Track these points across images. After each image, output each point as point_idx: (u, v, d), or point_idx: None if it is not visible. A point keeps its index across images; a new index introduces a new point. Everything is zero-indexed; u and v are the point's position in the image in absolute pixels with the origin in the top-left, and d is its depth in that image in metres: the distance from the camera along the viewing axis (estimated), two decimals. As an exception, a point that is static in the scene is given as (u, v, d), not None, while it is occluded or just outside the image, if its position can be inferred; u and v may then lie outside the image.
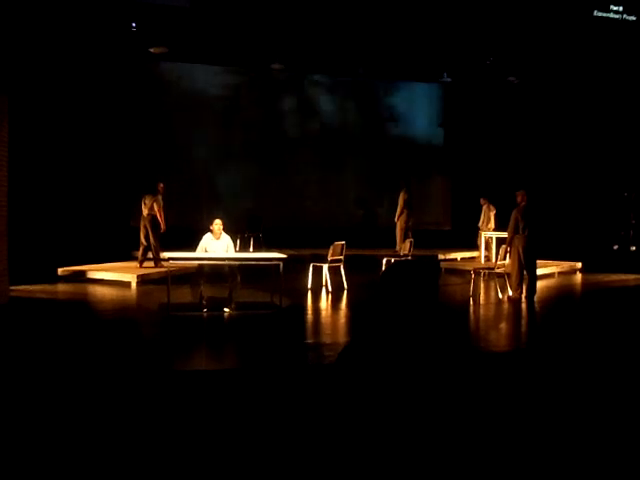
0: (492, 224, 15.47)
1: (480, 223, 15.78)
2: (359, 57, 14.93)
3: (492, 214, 15.55)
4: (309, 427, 2.25)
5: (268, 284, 10.04)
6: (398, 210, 15.57)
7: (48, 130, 13.48)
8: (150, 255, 12.73)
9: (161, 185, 12.76)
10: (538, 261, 10.93)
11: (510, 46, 14.37)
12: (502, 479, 3.41)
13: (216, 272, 9.53)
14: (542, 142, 17.23)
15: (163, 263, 11.94)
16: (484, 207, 15.78)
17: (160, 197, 12.63)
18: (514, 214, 10.40)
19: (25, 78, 11.81)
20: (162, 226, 12.55)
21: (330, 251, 11.06)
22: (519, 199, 10.52)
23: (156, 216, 12.51)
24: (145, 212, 12.61)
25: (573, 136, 16.75)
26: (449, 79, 16.29)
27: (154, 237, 12.58)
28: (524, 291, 10.50)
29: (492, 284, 11.68)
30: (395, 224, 15.67)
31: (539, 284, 10.99)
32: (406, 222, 15.53)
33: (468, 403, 2.14)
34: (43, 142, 13.33)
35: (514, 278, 10.52)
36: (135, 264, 12.79)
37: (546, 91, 16.72)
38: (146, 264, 12.67)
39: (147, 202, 12.59)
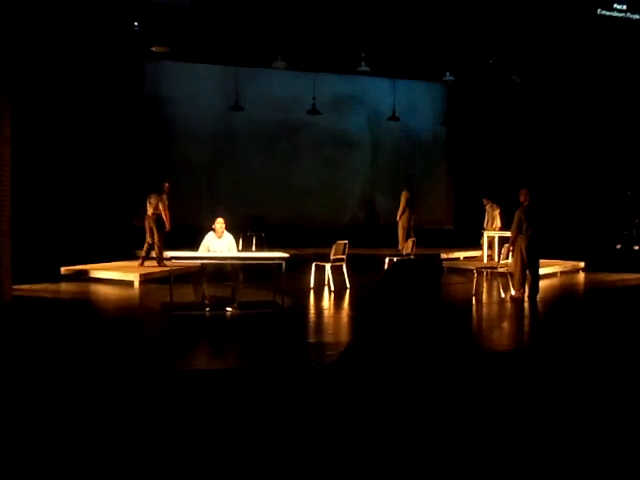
0: (498, 223, 15.33)
1: (485, 224, 15.67)
2: (362, 55, 14.90)
3: (497, 213, 15.43)
4: (311, 426, 2.25)
5: (270, 283, 10.04)
6: (400, 209, 15.56)
7: (51, 129, 13.49)
8: (153, 254, 12.75)
9: (166, 185, 12.80)
10: (541, 260, 10.92)
11: (513, 45, 14.34)
12: (504, 479, 3.40)
13: (218, 271, 9.54)
14: (545, 141, 17.19)
15: (166, 262, 11.96)
16: (487, 207, 15.69)
17: (165, 196, 12.67)
18: (517, 213, 10.39)
19: (27, 77, 11.81)
20: (167, 225, 12.58)
21: (332, 250, 11.06)
22: (522, 198, 10.50)
23: (161, 215, 12.54)
24: (150, 211, 12.64)
25: (576, 135, 16.71)
26: (452, 78, 16.26)
27: (159, 237, 12.61)
28: (526, 290, 10.48)
29: (495, 283, 11.67)
30: (397, 223, 15.67)
31: (542, 283, 10.98)
32: (408, 221, 15.52)
33: (471, 402, 2.14)
34: (46, 141, 13.33)
35: (517, 277, 10.51)
36: (138, 263, 12.80)
37: (549, 90, 16.69)
38: (149, 263, 12.68)
39: (152, 201, 12.63)
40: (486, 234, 15.18)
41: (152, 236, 12.68)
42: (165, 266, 12.02)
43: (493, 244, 14.82)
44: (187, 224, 14.08)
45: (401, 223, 15.57)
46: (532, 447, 4.23)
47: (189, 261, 9.98)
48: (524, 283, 10.49)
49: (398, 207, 15.67)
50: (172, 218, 12.72)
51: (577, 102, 16.32)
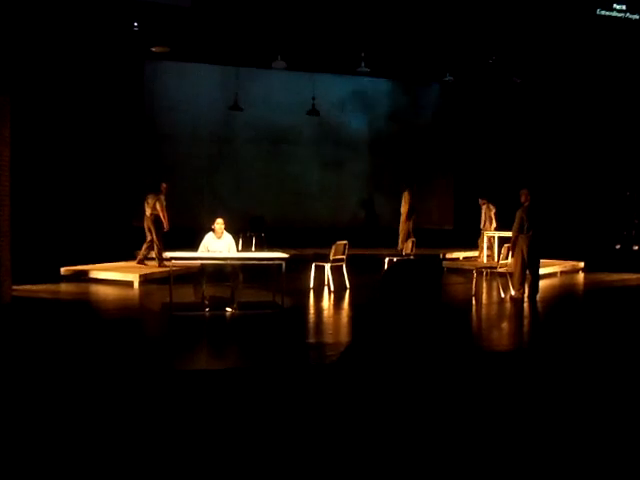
0: (494, 223, 15.31)
1: (482, 224, 15.64)
2: (361, 55, 14.90)
3: (492, 213, 15.40)
4: (311, 427, 2.25)
5: (270, 284, 10.04)
6: (406, 211, 15.53)
7: (51, 130, 13.49)
8: (153, 254, 12.75)
9: (164, 185, 12.78)
10: (541, 260, 10.92)
11: (513, 45, 14.35)
12: (503, 479, 3.41)
13: (218, 272, 9.53)
14: (545, 141, 17.20)
15: (166, 263, 11.96)
16: (484, 208, 15.58)
17: (163, 197, 12.66)
18: (519, 213, 10.34)
19: (27, 78, 11.82)
20: (165, 225, 12.57)
21: (332, 250, 11.05)
22: (523, 198, 10.45)
23: (159, 216, 12.53)
24: (148, 212, 12.62)
25: (576, 135, 16.72)
26: (451, 78, 16.27)
27: (157, 237, 12.59)
28: (526, 290, 10.47)
29: (494, 283, 11.67)
30: (399, 224, 15.65)
31: (541, 283, 10.98)
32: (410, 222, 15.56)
33: (470, 403, 2.14)
34: (46, 142, 13.34)
35: (516, 277, 10.49)
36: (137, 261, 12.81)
37: (549, 90, 16.70)
38: (149, 263, 12.68)
39: (150, 202, 12.62)
40: (486, 234, 15.16)
41: (151, 236, 12.69)
42: (165, 266, 12.02)
43: (492, 244, 14.82)
44: (187, 224, 14.10)
45: (406, 225, 15.53)
46: (532, 447, 4.23)
47: (189, 261, 9.98)
48: (524, 283, 10.47)
49: (398, 207, 15.67)
50: (170, 218, 12.71)
51: (577, 103, 16.33)
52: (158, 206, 12.50)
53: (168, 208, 12.72)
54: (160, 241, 12.63)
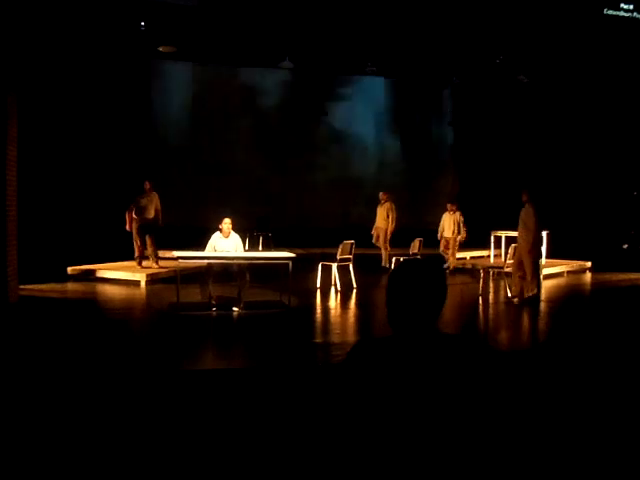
0: (463, 232, 14.11)
1: (440, 231, 14.32)
2: (367, 56, 14.89)
3: (462, 221, 14.09)
4: (317, 426, 2.25)
5: (277, 283, 10.04)
6: (395, 216, 14.87)
7: (57, 129, 13.53)
8: (146, 254, 12.65)
9: (147, 184, 12.58)
10: (548, 260, 10.84)
11: (520, 45, 14.32)
12: (511, 478, 3.40)
13: (225, 271, 9.55)
14: (552, 141, 17.16)
15: (144, 264, 12.24)
16: (452, 214, 14.15)
17: (139, 197, 12.39)
18: (532, 215, 10.14)
19: (34, 77, 11.85)
20: (127, 226, 12.34)
21: (339, 250, 11.05)
22: (524, 198, 10.28)
23: (136, 217, 12.32)
24: None
25: (583, 135, 16.68)
26: (458, 81, 16.25)
27: (135, 237, 12.40)
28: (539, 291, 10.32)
29: (502, 283, 11.63)
30: (387, 231, 15.10)
31: (549, 283, 10.95)
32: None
33: (476, 402, 2.13)
34: (52, 141, 13.38)
35: (530, 278, 10.34)
36: (145, 263, 12.81)
37: (556, 90, 16.66)
38: (158, 263, 12.72)
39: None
40: (493, 234, 15.07)
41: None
42: (142, 267, 12.07)
43: (450, 247, 14.17)
44: (194, 224, 14.12)
45: (392, 230, 14.97)
46: (539, 446, 4.22)
47: (196, 261, 9.99)
48: (539, 284, 10.31)
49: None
50: (173, 217, 12.62)
51: (584, 102, 16.29)
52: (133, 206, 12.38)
53: (167, 206, 12.72)
54: (137, 240, 12.36)
